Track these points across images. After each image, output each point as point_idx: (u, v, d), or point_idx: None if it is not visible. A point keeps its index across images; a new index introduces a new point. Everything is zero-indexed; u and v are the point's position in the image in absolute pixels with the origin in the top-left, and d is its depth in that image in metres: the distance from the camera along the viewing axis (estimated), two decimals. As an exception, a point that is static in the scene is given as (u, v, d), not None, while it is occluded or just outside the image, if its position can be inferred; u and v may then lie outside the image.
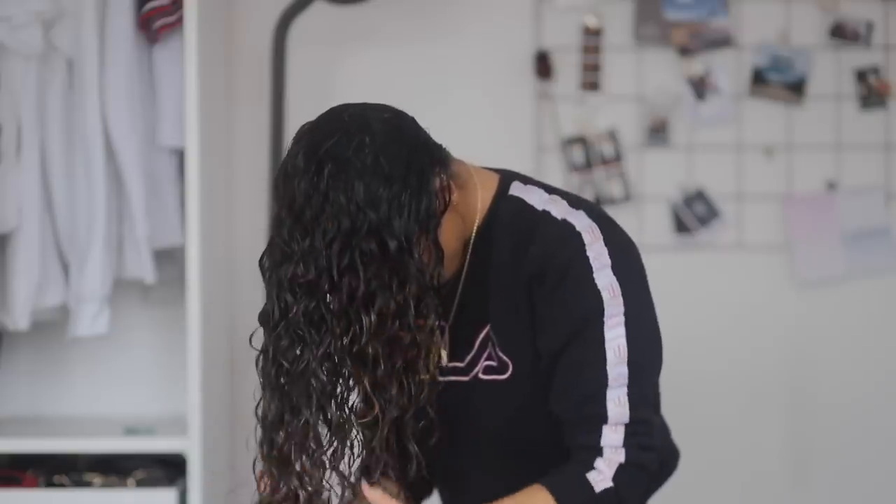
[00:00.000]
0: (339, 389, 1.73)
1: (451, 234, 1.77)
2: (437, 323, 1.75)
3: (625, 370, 1.75)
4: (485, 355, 1.83)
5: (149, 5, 3.09)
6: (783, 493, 3.56)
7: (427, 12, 3.51)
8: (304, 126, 1.75)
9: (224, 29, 3.42)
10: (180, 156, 3.18)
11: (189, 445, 3.01)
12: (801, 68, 3.53)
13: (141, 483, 3.06)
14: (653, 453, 1.77)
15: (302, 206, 1.67)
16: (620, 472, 1.74)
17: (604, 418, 1.75)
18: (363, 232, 1.66)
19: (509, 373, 1.82)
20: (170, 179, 3.20)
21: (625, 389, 1.74)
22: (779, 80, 3.53)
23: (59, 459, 3.13)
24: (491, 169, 1.90)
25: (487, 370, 1.83)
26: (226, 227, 3.35)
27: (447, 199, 1.74)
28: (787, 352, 3.54)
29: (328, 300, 1.68)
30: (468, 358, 1.84)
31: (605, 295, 1.75)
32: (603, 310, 1.75)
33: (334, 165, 1.67)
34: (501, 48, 3.52)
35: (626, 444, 1.74)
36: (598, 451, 1.75)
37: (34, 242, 3.09)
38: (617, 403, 1.75)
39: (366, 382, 1.72)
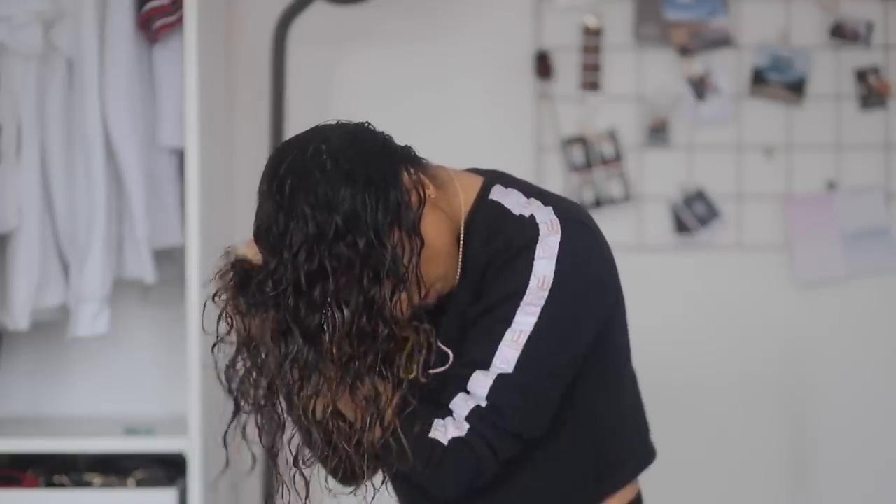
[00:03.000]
0: (313, 392, 1.71)
1: (438, 231, 1.77)
2: (421, 321, 1.74)
3: (515, 355, 1.73)
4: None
5: (149, 5, 3.09)
6: (783, 493, 3.55)
7: (427, 12, 3.51)
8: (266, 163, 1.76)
9: (224, 29, 3.42)
10: (180, 156, 3.18)
11: (189, 445, 3.01)
12: (801, 68, 3.53)
13: (141, 483, 3.06)
14: (489, 449, 1.73)
15: (269, 226, 1.69)
16: (453, 443, 1.73)
17: (466, 384, 1.73)
18: (330, 236, 1.66)
19: (449, 363, 1.80)
20: (170, 179, 3.20)
21: (502, 374, 1.72)
22: (779, 80, 3.53)
23: (59, 459, 3.12)
24: (477, 171, 1.89)
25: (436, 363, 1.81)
26: (226, 227, 3.34)
27: (421, 192, 1.74)
28: (787, 352, 3.54)
29: (298, 307, 1.67)
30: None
31: (533, 281, 1.73)
32: (524, 293, 1.73)
33: (294, 178, 1.68)
34: (501, 48, 3.52)
35: (471, 420, 1.73)
36: (448, 413, 1.74)
37: (34, 242, 3.09)
38: (485, 376, 1.73)
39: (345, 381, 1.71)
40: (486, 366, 1.74)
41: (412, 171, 1.74)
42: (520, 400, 1.75)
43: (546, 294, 1.73)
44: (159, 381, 3.40)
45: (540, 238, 1.75)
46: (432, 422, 1.74)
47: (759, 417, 3.54)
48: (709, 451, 3.52)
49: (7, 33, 3.05)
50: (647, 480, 1.99)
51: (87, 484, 3.07)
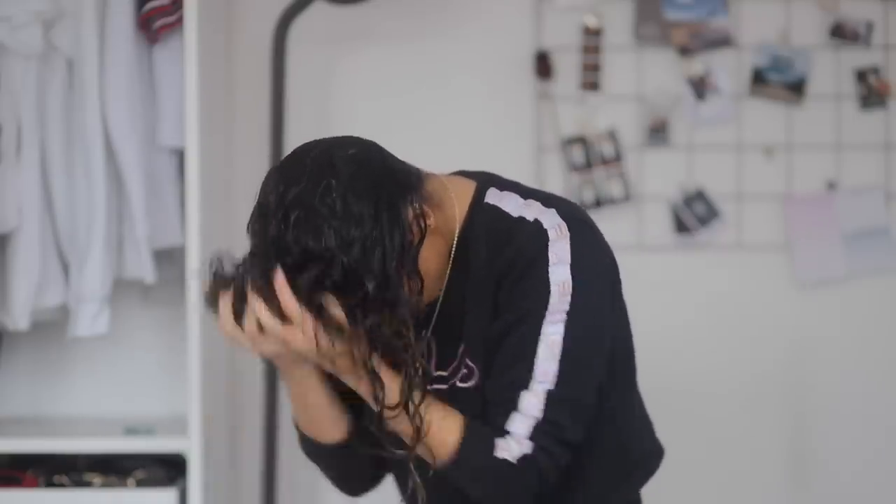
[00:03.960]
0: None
1: (432, 256, 1.77)
2: (418, 337, 1.74)
3: (554, 367, 1.73)
4: (464, 363, 1.83)
5: (149, 5, 3.09)
6: (783, 493, 3.55)
7: (427, 12, 3.51)
8: (272, 167, 1.75)
9: (224, 29, 3.42)
10: (180, 156, 3.18)
11: (189, 445, 3.01)
12: (801, 68, 3.53)
13: (141, 483, 3.06)
14: (553, 462, 1.74)
15: (270, 249, 1.69)
16: (522, 461, 1.73)
17: (516, 405, 1.73)
18: (336, 274, 1.66)
19: (475, 379, 1.81)
20: (170, 179, 3.20)
21: (546, 386, 1.73)
22: (779, 80, 3.53)
23: (59, 459, 3.12)
24: (467, 174, 1.89)
25: (463, 377, 1.83)
26: (226, 227, 3.34)
27: (423, 226, 1.73)
28: (787, 352, 3.54)
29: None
30: (451, 367, 1.84)
31: (554, 289, 1.73)
32: (548, 303, 1.73)
33: (301, 212, 1.67)
34: (501, 48, 3.52)
35: (533, 437, 1.73)
36: (506, 433, 1.74)
37: (34, 242, 3.09)
38: (534, 395, 1.73)
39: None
40: (527, 385, 1.73)
41: (416, 204, 1.73)
42: (572, 410, 1.75)
43: (569, 298, 1.74)
44: (159, 381, 3.40)
45: (551, 243, 1.75)
46: (494, 442, 1.73)
47: (759, 417, 3.54)
48: (709, 451, 3.52)
49: (7, 33, 3.05)
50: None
51: (87, 484, 3.07)
